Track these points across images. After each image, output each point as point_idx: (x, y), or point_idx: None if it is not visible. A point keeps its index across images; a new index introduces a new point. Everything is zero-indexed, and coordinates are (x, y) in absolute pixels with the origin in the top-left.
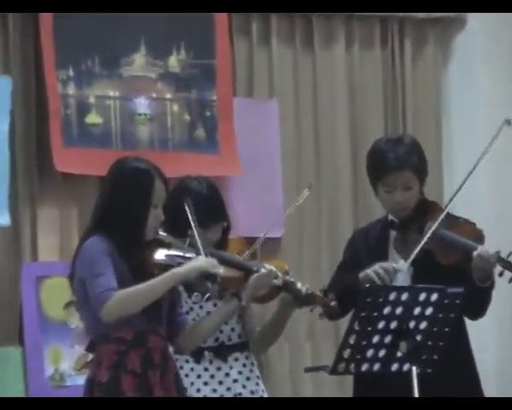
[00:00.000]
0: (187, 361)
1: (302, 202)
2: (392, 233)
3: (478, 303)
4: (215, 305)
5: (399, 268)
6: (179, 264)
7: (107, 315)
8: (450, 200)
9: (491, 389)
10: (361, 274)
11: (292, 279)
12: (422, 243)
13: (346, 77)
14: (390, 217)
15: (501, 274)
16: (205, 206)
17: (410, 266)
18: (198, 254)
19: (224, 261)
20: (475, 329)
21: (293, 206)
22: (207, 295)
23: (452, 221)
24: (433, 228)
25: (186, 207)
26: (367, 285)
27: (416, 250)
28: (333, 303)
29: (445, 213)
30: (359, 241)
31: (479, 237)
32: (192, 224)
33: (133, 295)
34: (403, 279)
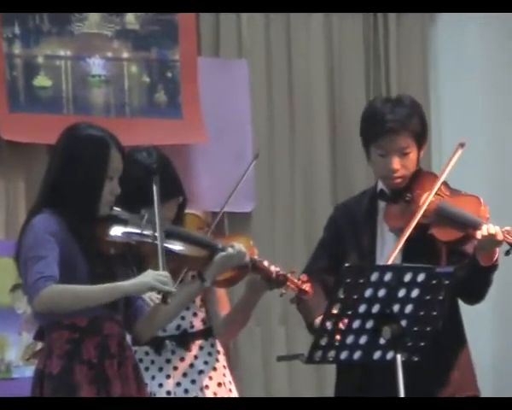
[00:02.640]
0: (146, 353)
1: (248, 172)
2: (381, 205)
3: (478, 286)
4: None
5: None
6: (136, 242)
7: (39, 305)
8: (444, 169)
9: (487, 380)
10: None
11: (260, 259)
12: (418, 216)
13: (324, 34)
14: (380, 186)
15: (508, 253)
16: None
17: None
18: (155, 231)
19: (185, 239)
20: (470, 317)
21: (240, 180)
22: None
23: (453, 194)
24: (430, 198)
25: (154, 186)
26: (346, 264)
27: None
28: (305, 286)
29: (441, 181)
30: (342, 217)
31: (483, 213)
32: (156, 203)
33: (69, 295)
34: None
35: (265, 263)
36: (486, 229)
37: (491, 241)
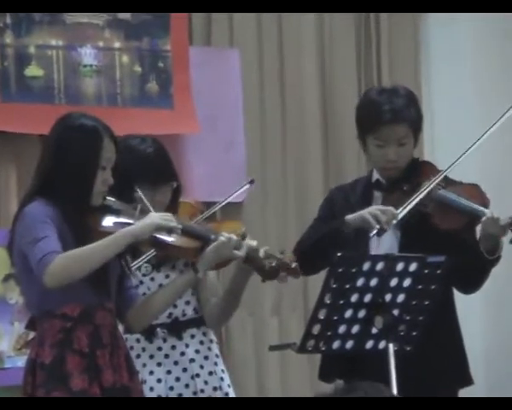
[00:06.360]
0: (138, 341)
1: (239, 193)
2: (377, 195)
3: (477, 275)
4: (167, 276)
5: (398, 214)
6: None
7: (51, 279)
8: (453, 164)
9: (479, 368)
10: (349, 216)
11: (253, 244)
12: (419, 198)
13: (315, 23)
14: (375, 176)
15: None
16: (151, 166)
17: (398, 230)
18: None
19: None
20: (463, 305)
21: (230, 196)
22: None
23: (452, 184)
24: (432, 185)
25: (139, 192)
26: (338, 254)
27: (414, 202)
28: (294, 265)
29: (445, 172)
30: (338, 198)
31: (484, 201)
32: (146, 202)
33: (78, 257)
34: (389, 244)
35: (259, 252)
36: (490, 216)
37: (495, 228)
